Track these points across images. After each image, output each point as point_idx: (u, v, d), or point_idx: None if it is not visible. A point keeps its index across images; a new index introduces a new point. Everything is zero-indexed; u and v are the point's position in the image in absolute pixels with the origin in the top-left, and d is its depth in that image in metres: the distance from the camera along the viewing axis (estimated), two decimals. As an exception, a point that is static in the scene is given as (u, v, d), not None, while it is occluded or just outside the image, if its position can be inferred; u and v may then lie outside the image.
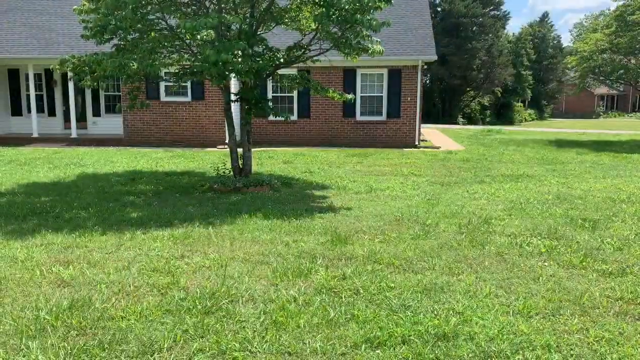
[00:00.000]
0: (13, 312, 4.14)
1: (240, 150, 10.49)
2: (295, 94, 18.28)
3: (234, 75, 9.02)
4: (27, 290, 4.66)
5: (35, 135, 18.34)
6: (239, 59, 8.24)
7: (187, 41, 8.99)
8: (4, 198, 8.80)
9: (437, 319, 4.07)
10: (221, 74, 8.40)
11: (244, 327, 3.88)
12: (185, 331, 3.80)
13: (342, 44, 9.69)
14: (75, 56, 9.47)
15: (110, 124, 19.38)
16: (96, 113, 19.56)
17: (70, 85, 18.11)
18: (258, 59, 8.72)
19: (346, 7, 8.14)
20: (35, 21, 19.72)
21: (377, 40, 9.50)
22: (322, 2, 8.73)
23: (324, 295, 4.56)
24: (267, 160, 14.30)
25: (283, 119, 10.26)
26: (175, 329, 3.81)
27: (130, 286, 4.74)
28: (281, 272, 5.15)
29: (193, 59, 9.84)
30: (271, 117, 18.76)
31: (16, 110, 19.67)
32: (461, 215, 7.81)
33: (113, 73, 8.24)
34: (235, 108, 11.31)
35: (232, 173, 10.50)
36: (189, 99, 17.83)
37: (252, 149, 16.22)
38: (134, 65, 7.93)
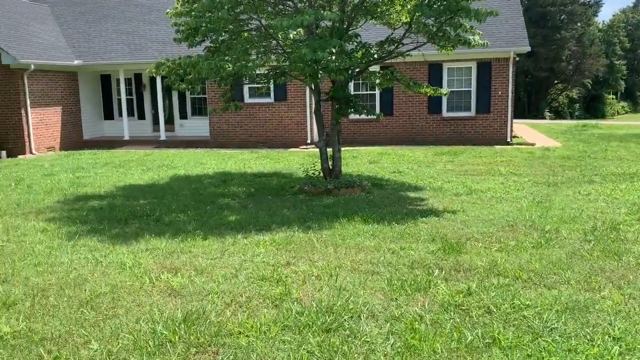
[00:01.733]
0: (129, 324, 4.01)
1: (329, 150, 10.19)
2: (377, 91, 17.82)
3: (323, 73, 8.71)
4: (138, 299, 4.55)
5: (126, 138, 19.05)
6: (333, 57, 7.91)
7: (280, 40, 8.78)
8: (104, 201, 9.00)
9: (596, 347, 3.51)
10: (314, 73, 8.11)
11: (373, 350, 3.51)
12: (310, 352, 3.49)
13: (438, 37, 9.15)
14: (169, 59, 9.54)
15: (197, 126, 19.78)
16: (183, 115, 20.04)
17: (159, 88, 18.65)
18: (352, 56, 8.36)
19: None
20: (125, 28, 20.51)
21: (478, 32, 8.87)
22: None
23: (452, 314, 4.11)
24: (352, 160, 13.93)
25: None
26: (300, 350, 3.50)
27: (241, 297, 4.51)
28: (397, 284, 4.74)
29: (283, 59, 9.67)
30: (352, 116, 18.58)
31: (108, 114, 20.55)
32: (582, 220, 7.05)
33: (207, 75, 8.17)
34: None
35: (321, 174, 10.23)
36: (271, 100, 17.82)
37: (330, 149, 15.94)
38: (228, 67, 7.80)
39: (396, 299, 4.45)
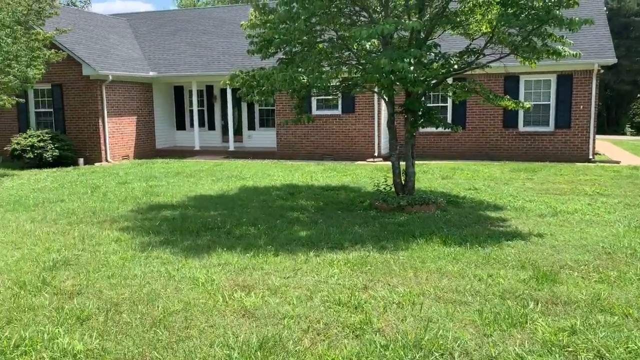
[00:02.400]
0: (203, 349, 3.80)
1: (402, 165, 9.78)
2: (449, 103, 17.24)
3: (400, 85, 8.35)
4: (212, 319, 4.35)
5: (197, 148, 19.42)
6: (411, 68, 7.54)
7: (354, 51, 8.53)
8: (176, 211, 9.01)
9: None
10: (390, 85, 7.78)
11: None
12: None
13: (522, 48, 8.59)
14: (243, 71, 9.50)
15: (264, 137, 19.89)
16: (251, 127, 20.21)
17: (229, 100, 18.92)
18: (430, 67, 7.96)
19: (539, 3, 7.05)
20: (198, 41, 21.01)
21: (569, 42, 8.24)
22: (506, 1, 7.72)
23: (557, 356, 3.62)
24: (423, 175, 13.42)
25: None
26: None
27: (319, 323, 4.21)
28: (489, 318, 4.29)
29: (355, 70, 9.40)
30: (422, 129, 18.04)
31: (180, 125, 21.05)
32: (692, 251, 6.28)
33: (281, 87, 8.02)
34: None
35: (393, 190, 9.84)
36: (339, 112, 17.62)
37: (402, 162, 15.50)
38: (303, 79, 7.61)
39: (490, 334, 4.00)
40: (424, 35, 8.74)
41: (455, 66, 8.68)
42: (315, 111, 17.80)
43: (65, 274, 5.58)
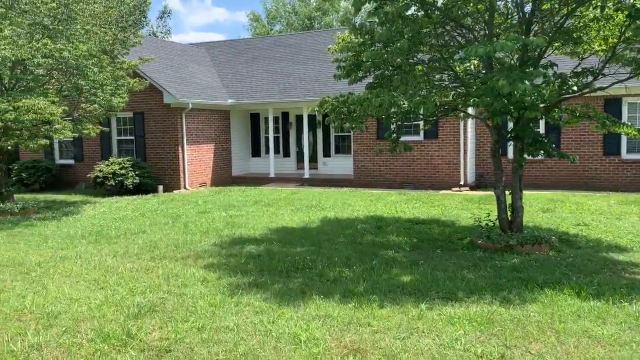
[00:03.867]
0: None
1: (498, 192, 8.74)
2: (542, 129, 15.92)
3: (514, 109, 7.41)
4: (325, 395, 3.59)
5: (272, 175, 19.07)
6: (530, 90, 6.61)
7: (456, 72, 7.71)
8: (261, 246, 8.43)
9: None
10: (504, 109, 6.88)
11: None
12: None
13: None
14: (332, 97, 8.90)
15: (340, 164, 19.28)
16: (326, 153, 19.67)
17: (305, 126, 18.50)
18: (550, 89, 7.00)
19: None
20: (274, 68, 20.89)
21: None
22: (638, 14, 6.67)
23: None
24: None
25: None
26: None
27: (460, 410, 3.35)
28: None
29: (456, 93, 8.56)
30: (511, 156, 16.76)
31: (255, 152, 20.86)
32: None
33: (378, 113, 7.30)
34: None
35: (496, 225, 8.83)
36: (420, 138, 16.72)
37: (484, 192, 14.39)
38: (403, 104, 6.86)
39: None
40: (536, 55, 7.80)
41: (575, 88, 7.64)
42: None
43: (151, 323, 5.03)
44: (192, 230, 10.00)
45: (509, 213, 8.68)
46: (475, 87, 7.22)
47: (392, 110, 7.34)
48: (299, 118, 20.01)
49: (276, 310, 5.32)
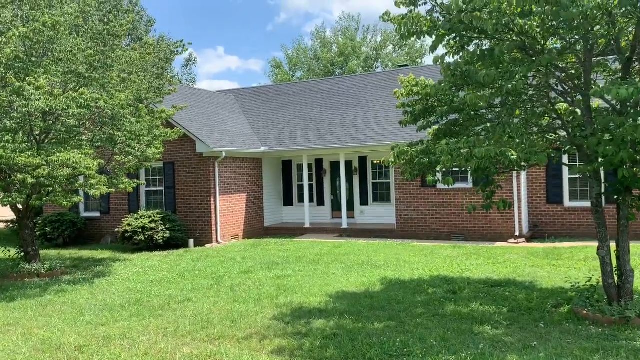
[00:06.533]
0: None
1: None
2: (602, 177, 14.75)
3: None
4: None
5: (307, 225, 17.99)
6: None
7: (563, 119, 6.71)
8: (330, 320, 7.26)
9: None
10: (630, 159, 5.83)
11: None
12: None
13: None
14: (402, 144, 7.91)
15: (378, 213, 18.19)
16: (364, 202, 18.61)
17: (342, 173, 17.53)
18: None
19: None
20: (306, 113, 20.15)
21: None
22: None
23: None
24: (590, 264, 10.93)
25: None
26: None
27: None
28: None
29: (554, 139, 7.55)
30: (569, 203, 15.59)
31: (287, 200, 19.88)
32: None
33: (478, 165, 6.26)
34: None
35: (597, 290, 7.64)
36: (469, 185, 15.63)
37: (544, 244, 13.13)
38: (512, 155, 5.83)
39: None
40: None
41: None
42: (440, 184, 15.94)
43: None
44: (242, 297, 8.87)
45: (615, 278, 7.49)
46: (590, 134, 6.19)
47: (503, 161, 6.26)
48: (334, 165, 19.10)
49: None
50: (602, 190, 7.52)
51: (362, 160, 18.54)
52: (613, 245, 7.43)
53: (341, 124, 18.58)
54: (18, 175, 9.63)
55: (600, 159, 6.52)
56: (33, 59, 10.38)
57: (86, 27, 11.49)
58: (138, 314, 7.94)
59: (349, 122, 18.54)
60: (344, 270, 11.15)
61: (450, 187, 15.74)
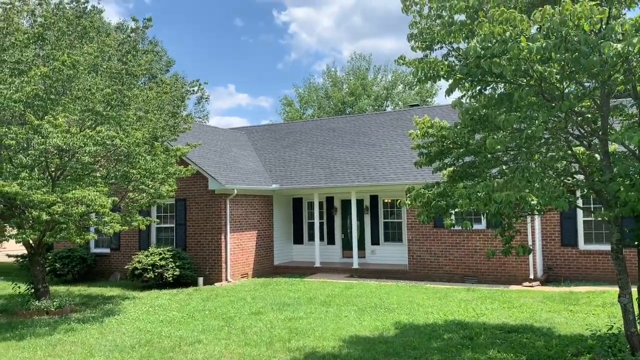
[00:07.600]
0: None
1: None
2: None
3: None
4: None
5: (317, 264, 17.80)
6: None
7: (581, 164, 6.67)
8: (345, 366, 7.08)
9: None
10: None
11: None
12: None
13: None
14: (417, 187, 7.87)
15: (390, 253, 17.99)
16: (375, 241, 18.43)
17: (353, 212, 17.43)
18: None
19: None
20: (318, 151, 20.22)
21: None
22: None
23: None
24: (608, 309, 10.66)
25: None
26: None
27: None
28: None
29: (571, 183, 7.46)
30: (583, 246, 15.32)
31: (297, 238, 19.74)
32: None
33: (497, 209, 6.17)
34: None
35: (619, 338, 7.41)
36: (482, 226, 15.47)
37: (560, 287, 12.83)
38: (532, 200, 5.77)
39: None
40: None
41: None
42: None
43: None
44: (254, 340, 8.70)
45: (639, 327, 7.27)
46: (609, 179, 6.12)
47: (522, 206, 6.19)
48: (345, 203, 19.04)
49: None
50: (622, 237, 7.37)
51: (374, 198, 18.46)
52: (634, 290, 7.27)
53: (352, 163, 18.61)
54: (32, 212, 9.65)
55: (620, 205, 6.41)
56: (52, 96, 10.55)
57: (104, 67, 11.70)
58: (148, 355, 7.79)
59: (360, 161, 18.57)
60: (357, 313, 10.95)
61: (464, 228, 15.69)
